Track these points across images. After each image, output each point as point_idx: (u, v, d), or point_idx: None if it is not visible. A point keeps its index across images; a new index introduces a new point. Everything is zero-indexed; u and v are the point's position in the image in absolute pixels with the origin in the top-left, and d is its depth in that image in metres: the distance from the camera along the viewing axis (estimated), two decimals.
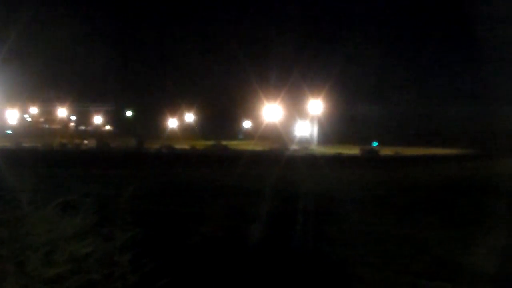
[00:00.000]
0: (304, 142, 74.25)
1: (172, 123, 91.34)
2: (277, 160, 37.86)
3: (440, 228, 12.09)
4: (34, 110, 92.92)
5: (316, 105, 75.85)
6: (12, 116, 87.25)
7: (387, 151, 65.92)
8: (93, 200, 7.48)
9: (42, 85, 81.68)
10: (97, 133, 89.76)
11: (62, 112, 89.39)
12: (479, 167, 37.80)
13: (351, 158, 52.54)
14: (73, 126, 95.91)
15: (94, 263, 6.20)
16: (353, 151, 64.80)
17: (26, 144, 67.60)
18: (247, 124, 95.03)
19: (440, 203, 17.12)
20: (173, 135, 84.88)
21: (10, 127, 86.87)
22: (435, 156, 58.78)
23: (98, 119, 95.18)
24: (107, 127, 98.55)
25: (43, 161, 30.92)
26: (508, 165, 36.34)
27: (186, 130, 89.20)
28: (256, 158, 43.80)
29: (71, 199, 7.22)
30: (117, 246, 6.34)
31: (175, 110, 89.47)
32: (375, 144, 76.96)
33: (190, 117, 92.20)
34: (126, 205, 7.03)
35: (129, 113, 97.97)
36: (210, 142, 74.33)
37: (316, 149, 67.69)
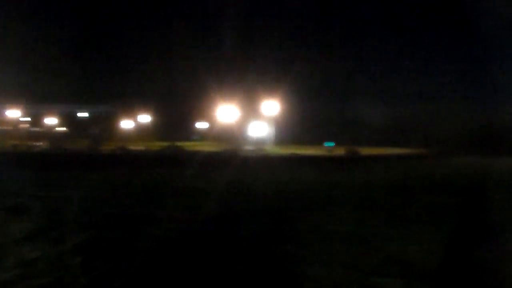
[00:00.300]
0: (260, 142, 74.57)
1: (126, 124, 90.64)
2: (232, 161, 37.95)
3: (391, 226, 12.32)
4: None
5: (272, 106, 76.34)
6: None
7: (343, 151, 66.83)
8: (44, 203, 7.39)
9: None
10: (50, 134, 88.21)
11: (14, 113, 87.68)
12: (426, 166, 38.61)
13: (306, 158, 52.89)
14: (26, 127, 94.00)
15: (44, 267, 6.13)
16: (309, 151, 65.27)
17: None
18: (202, 125, 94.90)
19: (395, 202, 17.43)
20: (128, 136, 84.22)
21: None
22: (393, 156, 59.88)
23: (51, 121, 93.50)
24: (61, 129, 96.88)
25: None
26: (461, 163, 37.24)
27: (141, 131, 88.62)
28: (211, 159, 43.81)
29: (21, 202, 7.12)
30: (68, 249, 6.29)
31: (130, 111, 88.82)
32: (331, 144, 77.77)
33: (145, 118, 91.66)
34: (78, 207, 6.98)
35: (83, 114, 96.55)
36: (165, 143, 73.92)
37: (272, 149, 67.97)
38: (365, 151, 66.35)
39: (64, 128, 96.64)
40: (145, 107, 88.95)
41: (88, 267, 6.42)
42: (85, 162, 38.83)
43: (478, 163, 41.69)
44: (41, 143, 79.41)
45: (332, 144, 77.85)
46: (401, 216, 13.98)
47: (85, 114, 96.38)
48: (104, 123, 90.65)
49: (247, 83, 74.08)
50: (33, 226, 6.80)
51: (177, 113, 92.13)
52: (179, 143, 73.59)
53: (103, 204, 14.67)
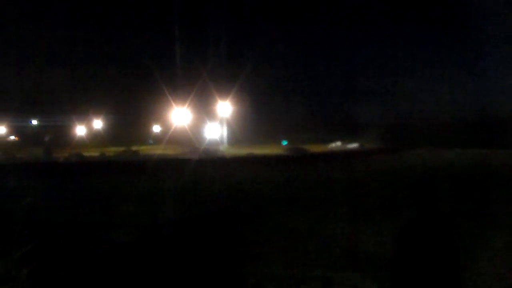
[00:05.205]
0: (214, 144, 74.53)
1: (80, 130, 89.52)
2: (190, 163, 38.02)
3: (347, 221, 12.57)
4: None
5: (225, 107, 76.46)
6: None
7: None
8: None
9: None
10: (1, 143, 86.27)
11: None
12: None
13: (263, 158, 53.03)
14: None
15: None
16: (263, 150, 65.43)
17: None
18: (156, 128, 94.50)
19: (353, 197, 17.73)
20: (82, 143, 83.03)
21: None
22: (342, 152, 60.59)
23: (1, 130, 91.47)
24: (12, 137, 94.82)
25: None
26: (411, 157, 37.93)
27: (95, 137, 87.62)
28: (168, 162, 43.60)
29: None
30: (14, 261, 6.24)
31: (83, 117, 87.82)
32: (284, 143, 78.43)
33: (98, 123, 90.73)
34: (24, 218, 6.93)
35: (34, 122, 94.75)
36: (120, 148, 73.05)
37: (227, 150, 67.90)
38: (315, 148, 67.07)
39: (15, 137, 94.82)
40: (99, 112, 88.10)
41: (36, 277, 6.41)
42: (37, 170, 38.03)
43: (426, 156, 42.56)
44: None
45: (285, 143, 78.68)
46: (359, 211, 14.28)
47: (37, 122, 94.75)
48: (56, 130, 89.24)
49: (201, 85, 74.06)
50: None
51: (132, 117, 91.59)
52: (134, 148, 72.89)
53: (58, 212, 14.57)
